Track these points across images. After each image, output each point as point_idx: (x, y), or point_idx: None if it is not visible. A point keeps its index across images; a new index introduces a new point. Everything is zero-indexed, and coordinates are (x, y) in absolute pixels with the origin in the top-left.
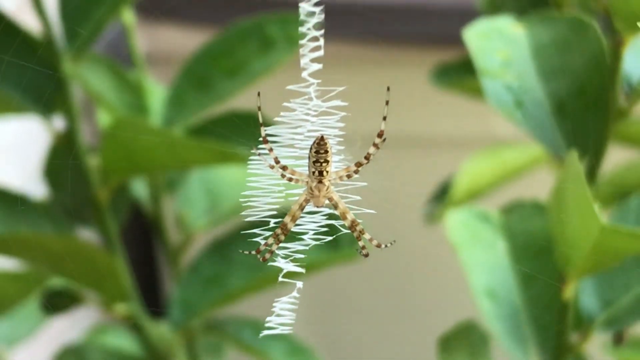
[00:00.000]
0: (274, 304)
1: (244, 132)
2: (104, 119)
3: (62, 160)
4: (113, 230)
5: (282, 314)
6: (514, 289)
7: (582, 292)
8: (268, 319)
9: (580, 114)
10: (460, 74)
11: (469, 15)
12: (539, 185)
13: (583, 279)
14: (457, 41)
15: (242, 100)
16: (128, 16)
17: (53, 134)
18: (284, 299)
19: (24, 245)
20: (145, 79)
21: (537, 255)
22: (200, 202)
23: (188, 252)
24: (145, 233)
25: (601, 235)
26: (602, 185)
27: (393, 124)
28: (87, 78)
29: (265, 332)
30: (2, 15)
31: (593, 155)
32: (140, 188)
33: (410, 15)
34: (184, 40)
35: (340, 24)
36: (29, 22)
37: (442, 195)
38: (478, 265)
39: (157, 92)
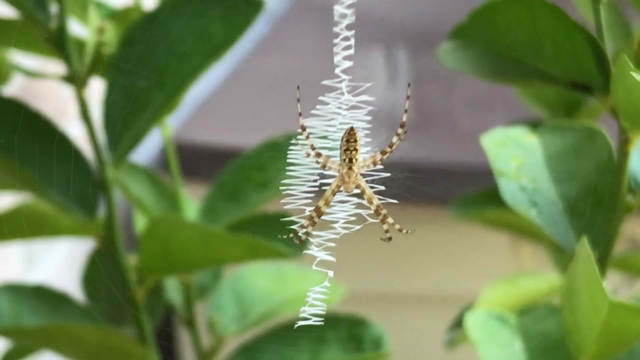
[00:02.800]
0: (308, 294)
1: (274, 232)
2: (140, 223)
3: (101, 262)
4: (148, 329)
5: (315, 304)
6: None
7: None
8: (302, 309)
9: (590, 212)
10: (480, 205)
11: (484, 175)
12: None
13: None
14: None
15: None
16: (166, 128)
17: (95, 238)
18: (317, 288)
19: (65, 336)
20: (181, 189)
21: (552, 353)
22: (230, 309)
23: (219, 354)
24: (175, 336)
25: (610, 312)
26: None
27: (410, 283)
28: (127, 184)
29: (300, 323)
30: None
31: (602, 249)
32: (174, 293)
33: (429, 175)
34: None
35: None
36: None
37: (461, 322)
38: None
39: (191, 205)
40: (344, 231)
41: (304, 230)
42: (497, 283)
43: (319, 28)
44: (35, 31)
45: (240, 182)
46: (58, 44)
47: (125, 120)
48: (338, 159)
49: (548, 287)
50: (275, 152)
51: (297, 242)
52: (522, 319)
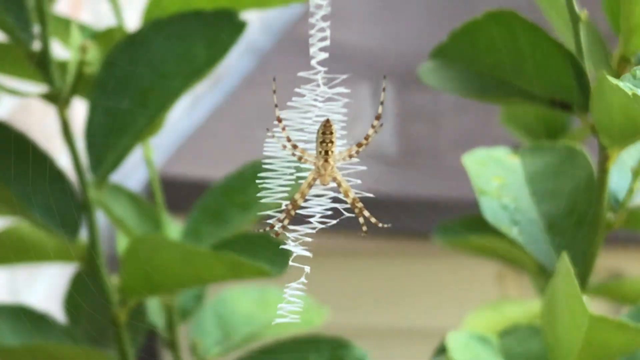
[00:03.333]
0: (285, 291)
1: (256, 251)
2: (122, 244)
3: (83, 283)
4: (130, 351)
5: (292, 300)
6: None
7: None
8: (279, 305)
9: (570, 231)
10: (464, 232)
11: (469, 209)
12: None
13: None
14: None
15: None
16: (148, 149)
17: (76, 257)
18: (294, 284)
19: (47, 357)
20: (164, 211)
21: None
22: (213, 332)
23: None
24: (157, 358)
25: (591, 327)
26: None
27: (395, 316)
28: (109, 205)
29: (277, 320)
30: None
31: (582, 266)
32: (156, 315)
33: (408, 208)
34: None
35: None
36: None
37: (445, 350)
38: None
39: (173, 228)
40: (321, 226)
41: (280, 224)
42: (481, 309)
43: (305, 64)
44: (17, 53)
45: (223, 204)
46: (40, 63)
47: (108, 140)
48: (314, 151)
49: (532, 312)
50: (258, 174)
51: (274, 235)
52: (504, 340)
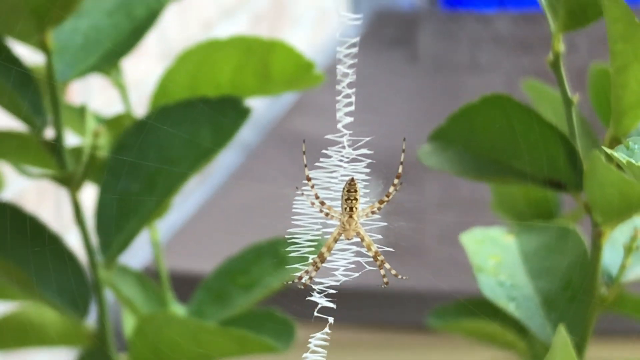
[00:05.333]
0: (310, 341)
1: (262, 327)
2: (129, 323)
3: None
4: None
5: (317, 350)
6: None
7: None
8: (304, 355)
9: (565, 306)
10: (457, 316)
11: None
12: None
13: None
14: None
15: None
16: (154, 231)
17: (84, 337)
18: (318, 334)
19: None
20: (168, 291)
21: None
22: None
23: None
24: None
25: None
26: None
27: None
28: (117, 285)
29: None
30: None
31: (578, 339)
32: None
33: (398, 301)
34: None
35: (348, 310)
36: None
37: None
38: None
39: (178, 308)
40: (344, 278)
41: (308, 276)
42: None
43: (293, 158)
44: (28, 141)
45: (226, 285)
46: (53, 148)
47: (117, 222)
48: (339, 208)
49: None
50: (259, 256)
51: (302, 287)
52: None
